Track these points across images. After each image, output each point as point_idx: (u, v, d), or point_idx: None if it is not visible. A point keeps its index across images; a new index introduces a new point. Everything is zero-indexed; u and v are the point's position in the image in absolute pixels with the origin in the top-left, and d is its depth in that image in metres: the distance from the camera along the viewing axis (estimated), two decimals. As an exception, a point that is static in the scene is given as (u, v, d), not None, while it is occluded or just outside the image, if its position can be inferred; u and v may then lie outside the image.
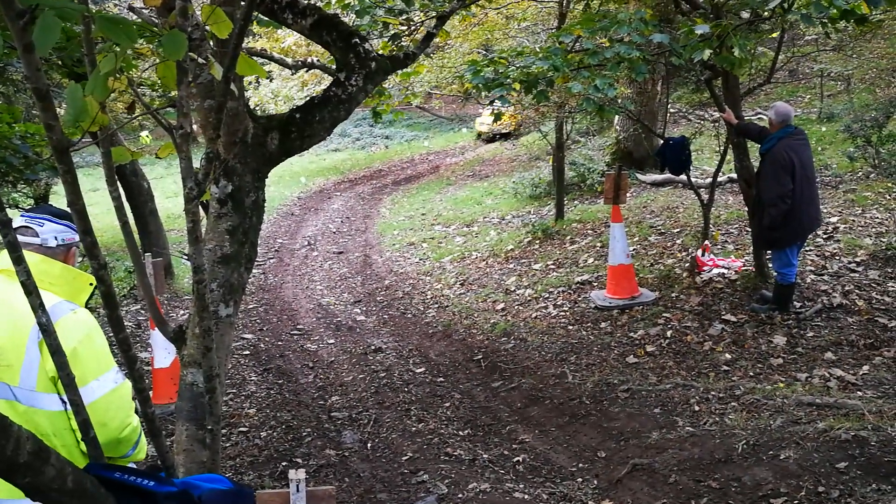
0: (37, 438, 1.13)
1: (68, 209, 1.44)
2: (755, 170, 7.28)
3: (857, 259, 7.82)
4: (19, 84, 8.38)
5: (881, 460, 4.40)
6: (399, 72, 5.04)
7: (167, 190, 19.88)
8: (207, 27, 1.77)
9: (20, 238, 2.67)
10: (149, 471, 1.38)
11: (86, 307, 2.82)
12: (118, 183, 2.35)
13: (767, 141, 6.77)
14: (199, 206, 1.68)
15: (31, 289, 1.24)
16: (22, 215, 2.72)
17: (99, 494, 1.24)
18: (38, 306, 1.28)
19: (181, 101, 1.74)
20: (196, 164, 1.84)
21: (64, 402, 2.46)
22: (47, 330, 1.34)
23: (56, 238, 2.74)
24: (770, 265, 7.42)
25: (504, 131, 24.86)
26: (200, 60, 2.12)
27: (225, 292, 1.95)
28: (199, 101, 2.16)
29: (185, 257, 1.56)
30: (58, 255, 2.74)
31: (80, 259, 3.04)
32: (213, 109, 1.98)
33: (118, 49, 1.55)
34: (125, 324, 1.49)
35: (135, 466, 2.04)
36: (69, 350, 2.54)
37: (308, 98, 2.96)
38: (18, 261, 1.23)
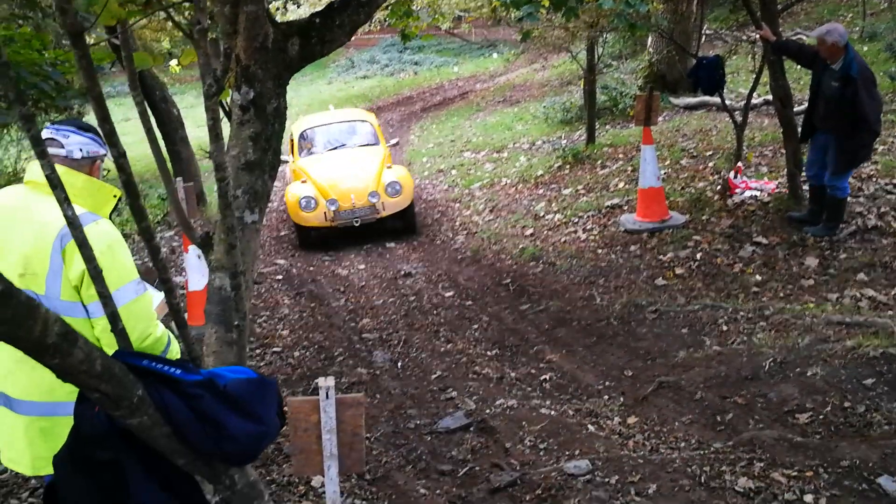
0: (64, 322, 1.17)
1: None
2: (798, 89, 7.10)
3: (895, 181, 7.65)
4: (47, 10, 8.37)
5: (909, 377, 4.39)
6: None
7: (198, 119, 19.91)
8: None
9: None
10: (176, 361, 1.43)
11: (110, 219, 2.87)
12: (149, 112, 2.37)
13: (849, 63, 6.56)
14: (220, 107, 1.69)
15: (55, 183, 1.26)
16: (47, 127, 2.75)
17: (126, 379, 1.29)
18: (65, 208, 1.30)
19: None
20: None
21: (87, 310, 2.52)
22: (75, 228, 1.37)
23: (81, 150, 2.77)
24: (806, 186, 7.30)
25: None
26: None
27: (250, 199, 1.97)
28: (220, 5, 2.15)
29: (207, 153, 1.58)
30: (83, 167, 2.78)
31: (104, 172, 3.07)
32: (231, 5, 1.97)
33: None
34: (160, 249, 1.52)
35: None
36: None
37: (328, 2, 2.93)
38: (42, 155, 1.25)
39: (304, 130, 11.37)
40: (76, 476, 1.45)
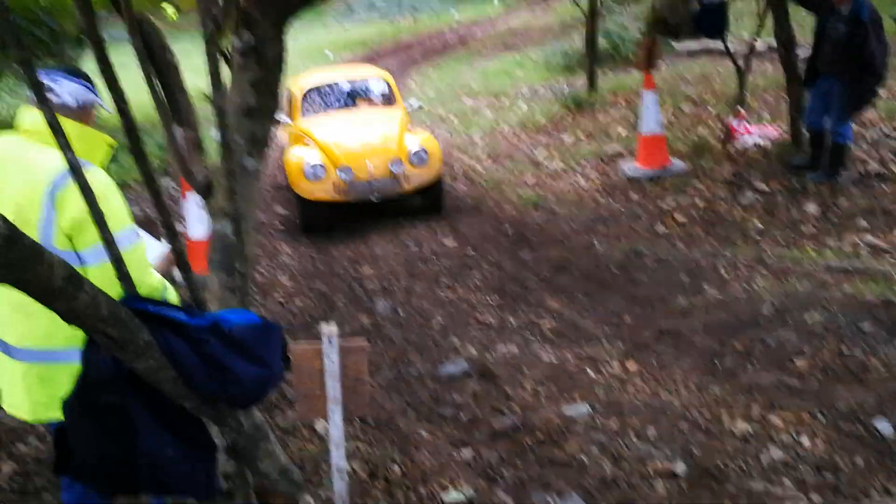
0: (69, 266, 1.18)
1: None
2: (801, 34, 7.01)
3: (897, 126, 7.61)
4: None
5: (907, 322, 4.43)
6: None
7: (193, 66, 19.65)
8: None
9: (31, 94, 2.68)
10: (181, 305, 1.44)
11: (106, 168, 2.85)
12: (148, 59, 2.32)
13: (860, 6, 6.48)
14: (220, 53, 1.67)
15: (57, 128, 1.26)
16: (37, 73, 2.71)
17: (132, 323, 1.30)
18: (66, 154, 1.29)
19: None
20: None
21: (81, 258, 2.52)
22: (78, 173, 1.36)
23: (72, 97, 2.74)
24: (806, 131, 7.25)
25: None
26: None
27: (250, 145, 1.96)
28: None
29: (208, 98, 1.56)
30: (75, 114, 2.74)
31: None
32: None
33: None
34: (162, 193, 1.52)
35: None
36: (83, 209, 2.59)
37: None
38: (42, 100, 1.24)
39: (310, 90, 9.43)
40: (84, 420, 1.47)
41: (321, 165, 7.93)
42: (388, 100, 9.46)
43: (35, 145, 2.68)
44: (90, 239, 2.64)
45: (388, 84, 9.62)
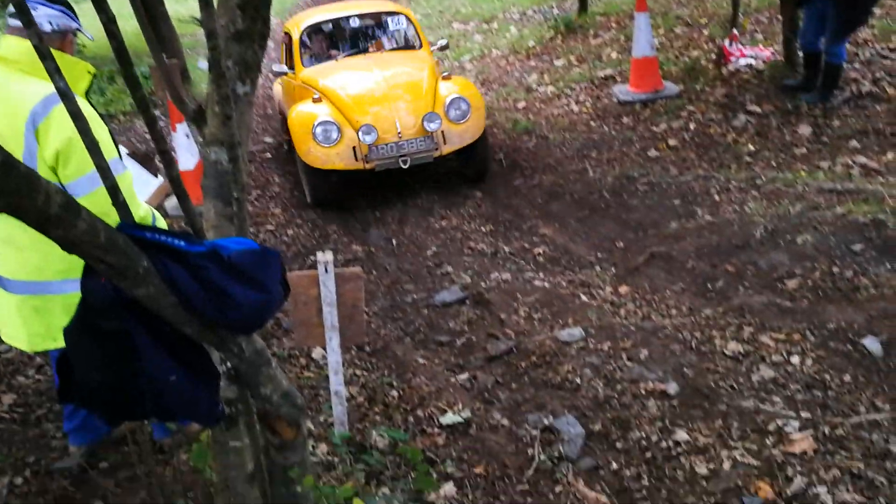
0: (65, 193, 1.17)
1: None
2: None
3: (891, 45, 7.51)
4: None
5: (897, 242, 4.46)
6: None
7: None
8: None
9: (10, 21, 2.61)
10: (179, 232, 1.43)
11: (86, 97, 2.80)
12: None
13: None
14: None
15: (45, 53, 1.23)
16: None
17: (131, 250, 1.30)
18: (55, 80, 1.26)
19: None
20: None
21: (66, 191, 2.50)
22: (69, 100, 1.33)
23: (51, 23, 2.66)
24: (800, 52, 7.17)
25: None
26: None
27: (241, 70, 1.92)
28: None
29: (197, 21, 1.52)
30: (53, 41, 2.67)
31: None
32: None
33: None
34: (157, 119, 1.48)
35: None
36: (65, 139, 2.56)
37: None
38: (28, 24, 1.21)
39: (309, 29, 7.82)
40: (86, 347, 1.48)
41: (334, 124, 6.46)
42: (410, 42, 7.97)
43: (14, 74, 2.62)
44: (74, 171, 2.62)
45: (411, 21, 8.02)
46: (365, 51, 7.83)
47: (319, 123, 6.43)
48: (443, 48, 7.77)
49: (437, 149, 6.50)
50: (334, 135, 6.42)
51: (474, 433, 3.52)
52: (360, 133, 6.41)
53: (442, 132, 6.50)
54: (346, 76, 7.09)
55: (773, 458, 3.07)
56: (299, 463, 1.93)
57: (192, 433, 3.22)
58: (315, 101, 6.74)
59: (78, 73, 2.73)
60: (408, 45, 7.90)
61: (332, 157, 6.41)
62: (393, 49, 7.84)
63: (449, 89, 6.78)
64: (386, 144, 6.41)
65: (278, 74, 7.99)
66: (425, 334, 4.62)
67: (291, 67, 7.63)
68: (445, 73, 7.14)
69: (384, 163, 6.42)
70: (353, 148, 6.42)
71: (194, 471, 2.81)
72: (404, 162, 6.41)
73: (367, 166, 6.43)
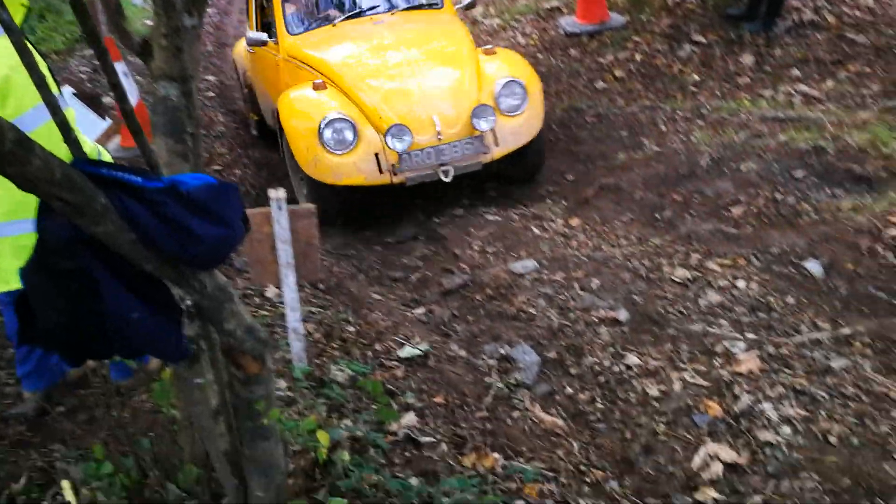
0: (18, 129, 1.14)
1: None
2: None
3: (832, -26, 7.59)
4: None
5: (836, 167, 4.60)
6: None
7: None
8: None
9: None
10: (136, 168, 1.41)
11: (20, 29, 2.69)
12: None
13: None
14: None
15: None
16: None
17: (87, 187, 1.27)
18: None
19: None
20: None
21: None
22: (14, 32, 1.28)
23: None
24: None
25: None
26: None
27: (187, 2, 1.87)
28: None
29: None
30: None
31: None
32: None
33: None
34: (107, 51, 1.44)
35: None
36: (1, 77, 2.49)
37: None
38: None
39: None
40: (45, 287, 1.46)
41: (348, 121, 4.81)
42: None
43: None
44: (12, 111, 2.55)
45: None
46: (371, 9, 5.89)
47: (329, 122, 4.78)
48: (469, 6, 6.08)
49: (486, 152, 4.96)
50: (348, 136, 4.79)
51: (433, 365, 3.58)
52: (387, 137, 4.78)
53: (495, 131, 4.97)
54: (355, 50, 5.30)
55: (721, 378, 3.19)
56: (265, 397, 1.95)
57: (151, 372, 3.21)
58: (317, 87, 5.03)
59: (11, 8, 2.61)
60: (427, 2, 6.02)
61: (347, 168, 4.79)
62: (408, 8, 5.93)
63: (497, 69, 5.19)
64: (422, 150, 4.82)
65: (255, 44, 5.91)
66: (379, 271, 4.64)
67: (269, 34, 5.81)
68: (488, 46, 5.50)
69: (419, 175, 4.83)
70: (376, 155, 4.81)
71: (154, 410, 2.82)
72: (445, 173, 4.82)
73: (396, 180, 4.81)
